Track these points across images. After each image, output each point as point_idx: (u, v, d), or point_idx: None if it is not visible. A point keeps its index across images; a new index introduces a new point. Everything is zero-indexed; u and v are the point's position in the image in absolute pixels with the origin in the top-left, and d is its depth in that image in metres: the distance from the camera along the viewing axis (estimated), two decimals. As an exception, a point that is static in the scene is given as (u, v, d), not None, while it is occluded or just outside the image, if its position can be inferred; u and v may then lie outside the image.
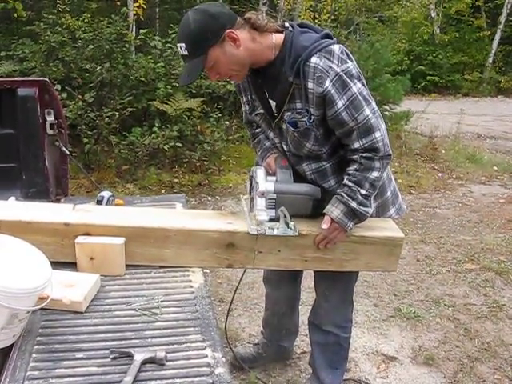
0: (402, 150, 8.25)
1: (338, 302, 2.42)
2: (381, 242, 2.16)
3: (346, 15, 9.04)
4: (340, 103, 1.90)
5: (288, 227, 2.06)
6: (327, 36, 1.96)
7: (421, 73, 18.22)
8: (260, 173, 2.10)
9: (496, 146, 9.64)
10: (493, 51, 19.98)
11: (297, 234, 2.06)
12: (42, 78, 2.64)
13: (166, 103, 6.57)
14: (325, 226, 2.03)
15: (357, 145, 1.97)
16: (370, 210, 2.07)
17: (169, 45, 7.03)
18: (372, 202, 2.08)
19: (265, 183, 2.06)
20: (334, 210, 2.03)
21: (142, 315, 1.78)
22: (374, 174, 2.00)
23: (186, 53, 1.88)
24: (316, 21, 8.61)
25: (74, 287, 1.85)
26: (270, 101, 2.07)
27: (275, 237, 2.07)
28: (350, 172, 2.02)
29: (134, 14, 7.48)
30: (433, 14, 19.29)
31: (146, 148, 6.21)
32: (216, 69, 1.92)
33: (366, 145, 1.96)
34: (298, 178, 2.14)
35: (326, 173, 2.12)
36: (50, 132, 2.65)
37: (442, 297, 3.76)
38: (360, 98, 1.92)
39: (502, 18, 19.97)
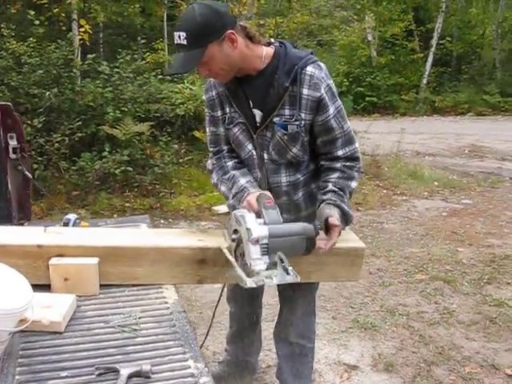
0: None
1: (302, 313, 2.50)
2: (344, 253, 2.27)
3: (289, 39, 9.27)
4: (331, 110, 2.05)
5: (287, 273, 1.79)
6: (312, 53, 2.12)
7: (360, 94, 18.78)
8: (249, 217, 1.89)
9: (435, 163, 10.05)
10: (426, 72, 20.84)
11: (298, 279, 1.80)
12: (4, 103, 2.64)
13: (116, 128, 6.60)
14: (336, 232, 2.04)
15: (340, 152, 2.11)
16: (352, 216, 2.15)
17: (116, 70, 7.06)
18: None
19: (258, 228, 1.85)
20: (333, 213, 2.05)
21: (121, 332, 1.82)
22: (354, 184, 2.13)
23: (184, 42, 1.90)
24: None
25: (52, 308, 1.86)
26: (255, 110, 2.12)
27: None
28: (333, 180, 2.11)
29: (80, 39, 7.47)
30: (369, 38, 19.97)
31: (96, 173, 6.20)
32: (209, 65, 1.97)
33: (348, 153, 2.10)
34: (270, 191, 2.12)
35: (298, 185, 2.22)
36: (12, 156, 2.65)
37: (396, 306, 3.92)
38: (343, 110, 2.10)
39: (434, 42, 20.90)
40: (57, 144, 6.04)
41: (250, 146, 2.20)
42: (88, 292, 2.04)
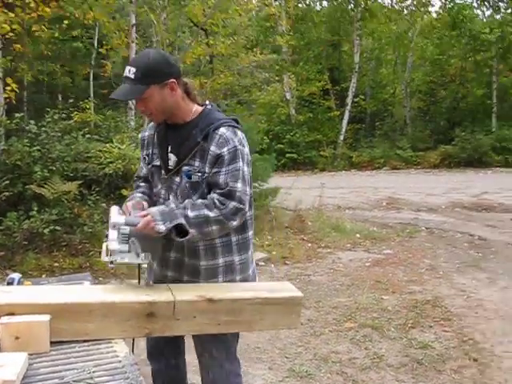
0: (273, 224, 8.75)
1: (225, 358, 2.53)
2: (283, 302, 2.42)
3: (213, 99, 9.60)
4: (224, 168, 2.24)
5: (138, 256, 2.21)
6: (236, 120, 2.35)
7: (280, 151, 19.36)
8: (113, 209, 2.30)
9: (355, 216, 10.51)
10: (343, 129, 21.92)
11: (146, 261, 2.24)
12: None
13: (43, 187, 6.54)
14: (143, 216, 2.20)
15: (217, 197, 2.25)
16: (182, 220, 2.19)
17: (44, 128, 7.05)
18: (191, 226, 2.22)
19: (115, 216, 2.24)
20: (157, 208, 2.27)
21: (76, 386, 1.87)
22: (206, 212, 2.22)
23: (132, 76, 2.17)
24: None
25: (4, 367, 1.88)
26: (171, 155, 2.35)
27: (190, 303, 2.25)
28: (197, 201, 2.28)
29: (6, 98, 7.43)
30: (288, 96, 20.82)
31: (24, 232, 6.10)
32: (146, 103, 2.23)
33: (221, 200, 2.24)
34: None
35: None
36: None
37: (329, 354, 4.09)
38: (241, 174, 2.26)
39: (349, 100, 22.11)
40: (-18, 203, 5.93)
41: (159, 186, 2.43)
42: (39, 349, 2.07)
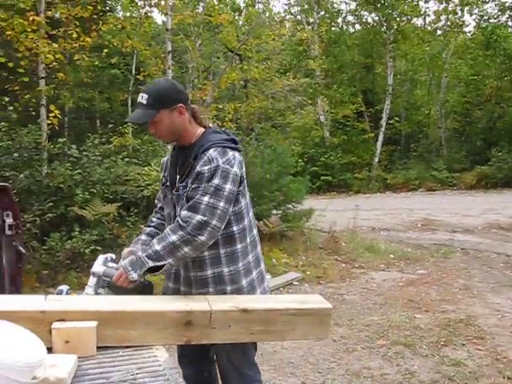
0: (307, 245, 8.86)
1: (242, 363, 2.68)
2: (313, 313, 2.55)
3: (247, 123, 9.85)
4: (203, 184, 2.40)
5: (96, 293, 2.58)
6: (233, 141, 2.55)
7: (315, 173, 19.41)
8: (100, 258, 2.66)
9: (390, 237, 10.52)
10: (378, 151, 21.88)
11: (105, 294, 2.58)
12: (2, 184, 2.91)
13: (84, 209, 6.81)
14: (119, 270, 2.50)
15: (183, 213, 2.42)
16: (151, 263, 2.41)
17: (85, 153, 7.36)
18: (163, 261, 2.42)
19: (97, 266, 2.61)
20: (127, 256, 2.55)
21: (122, 386, 2.04)
22: (172, 238, 2.40)
23: (144, 102, 2.43)
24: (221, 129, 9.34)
25: (57, 367, 2.06)
26: (178, 175, 2.57)
27: (225, 313, 2.40)
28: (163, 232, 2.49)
29: (49, 124, 7.78)
30: (322, 119, 20.96)
31: (66, 252, 6.35)
32: (157, 126, 2.48)
33: (185, 216, 2.40)
34: None
35: None
36: (8, 233, 2.88)
37: (361, 370, 4.16)
38: (212, 189, 2.39)
39: (383, 122, 22.10)
40: (28, 224, 6.20)
41: (171, 205, 2.63)
42: (87, 353, 2.24)
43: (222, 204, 2.40)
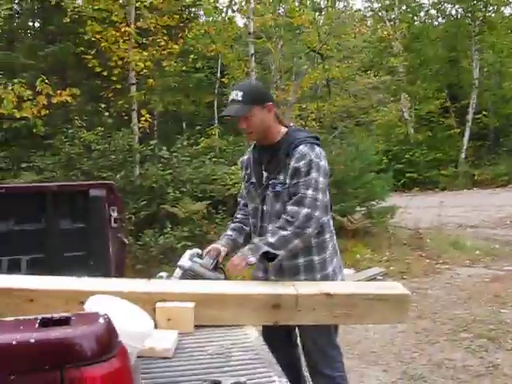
0: (391, 241, 8.89)
1: (325, 343, 2.86)
2: (392, 298, 2.71)
3: (330, 121, 10.00)
4: (302, 179, 2.63)
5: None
6: (316, 137, 2.80)
7: (399, 171, 19.15)
8: (187, 252, 2.91)
9: (477, 234, 10.32)
10: (464, 147, 21.28)
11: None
12: (108, 182, 3.27)
13: (175, 207, 7.22)
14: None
15: (288, 208, 2.66)
16: (265, 248, 2.62)
17: (175, 154, 7.79)
18: (278, 251, 2.62)
19: (184, 260, 2.85)
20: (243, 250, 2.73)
21: (218, 357, 2.29)
22: (284, 233, 2.62)
23: (239, 98, 2.65)
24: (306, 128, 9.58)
25: (161, 339, 2.35)
26: (264, 172, 2.78)
27: (310, 296, 2.61)
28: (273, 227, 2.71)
29: (140, 127, 8.29)
30: (406, 116, 20.67)
31: (159, 248, 6.77)
32: (248, 121, 2.67)
33: (292, 211, 2.63)
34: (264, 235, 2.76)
35: None
36: (113, 225, 3.23)
37: (443, 361, 4.24)
38: (313, 182, 2.63)
39: (469, 117, 21.46)
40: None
41: (257, 200, 2.83)
42: (186, 330, 2.52)
43: (320, 196, 2.66)
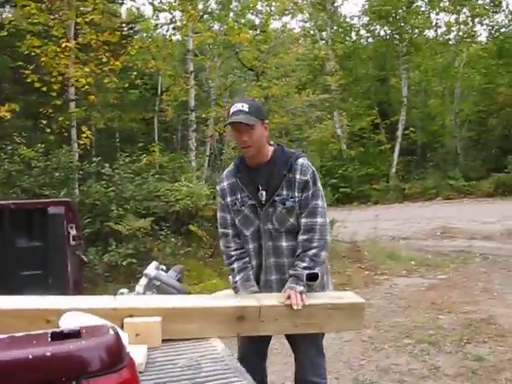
0: (331, 254, 9.12)
1: (314, 352, 3.00)
2: (349, 307, 2.88)
3: (269, 138, 10.16)
4: (311, 190, 2.78)
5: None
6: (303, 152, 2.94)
7: (334, 185, 19.60)
8: (153, 263, 3.05)
9: (410, 245, 10.76)
10: (394, 162, 22.11)
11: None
12: (66, 199, 3.28)
13: (119, 224, 7.18)
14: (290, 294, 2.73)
15: (303, 221, 2.80)
16: (308, 271, 2.75)
17: (117, 171, 7.76)
18: (314, 270, 2.77)
19: (151, 269, 2.97)
20: (291, 285, 2.76)
21: (188, 369, 2.36)
22: (313, 252, 2.77)
23: (246, 110, 2.71)
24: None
25: (132, 354, 2.39)
26: (262, 192, 2.81)
27: (272, 308, 2.73)
28: (298, 257, 2.80)
29: (81, 144, 8.20)
30: (339, 132, 21.26)
31: (104, 265, 6.72)
32: (250, 134, 2.72)
33: (308, 223, 2.78)
34: (275, 254, 2.86)
35: (294, 251, 2.85)
36: (72, 243, 3.24)
37: (390, 366, 4.45)
38: (321, 192, 2.83)
39: (399, 133, 22.34)
40: (67, 240, 6.59)
41: (257, 222, 2.87)
42: (154, 344, 2.58)
43: (324, 204, 2.84)
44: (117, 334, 1.28)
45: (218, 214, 3.02)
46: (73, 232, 3.24)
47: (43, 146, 7.54)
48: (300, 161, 2.79)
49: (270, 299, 2.79)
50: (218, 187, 3.03)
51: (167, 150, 11.53)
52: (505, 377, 4.17)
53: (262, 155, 2.82)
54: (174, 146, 14.88)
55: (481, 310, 5.90)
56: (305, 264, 2.77)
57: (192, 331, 2.68)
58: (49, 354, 1.15)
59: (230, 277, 3.03)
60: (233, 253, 2.97)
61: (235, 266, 2.94)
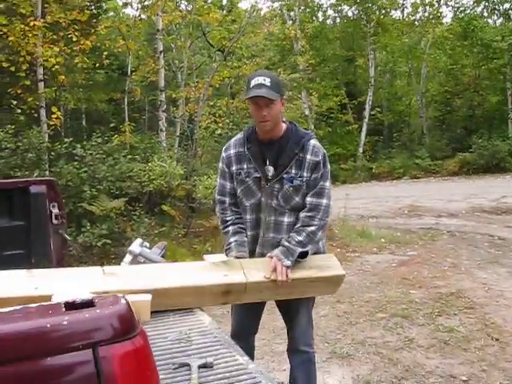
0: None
1: (305, 323, 3.08)
2: (331, 279, 2.98)
3: (240, 118, 10.23)
4: (320, 172, 2.80)
5: None
6: (313, 133, 2.95)
7: (301, 165, 19.71)
8: (137, 240, 3.02)
9: (379, 224, 10.97)
10: (362, 142, 22.39)
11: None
12: (49, 178, 3.27)
13: (92, 205, 7.15)
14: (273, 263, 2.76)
15: (308, 199, 2.82)
16: (300, 249, 2.78)
17: (89, 152, 7.70)
18: (307, 248, 2.81)
19: (135, 246, 2.95)
20: (276, 252, 2.79)
21: (179, 343, 2.42)
22: (311, 229, 2.81)
23: (268, 84, 2.66)
24: (217, 124, 9.76)
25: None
26: (269, 167, 2.82)
27: (258, 283, 2.79)
28: (295, 228, 2.84)
29: (52, 125, 8.10)
30: (307, 112, 21.35)
31: (78, 246, 6.69)
32: (271, 109, 2.68)
33: (313, 203, 2.81)
34: (275, 230, 2.88)
35: (291, 227, 2.89)
36: (54, 222, 3.24)
37: (365, 339, 4.59)
38: (328, 174, 2.85)
39: (366, 113, 22.59)
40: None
41: (259, 195, 2.88)
42: (144, 320, 2.62)
43: (330, 186, 2.88)
44: (128, 303, 1.32)
45: (218, 181, 3.03)
46: (55, 211, 3.24)
47: (13, 127, 7.41)
48: (312, 142, 2.80)
49: (257, 272, 2.81)
50: (223, 154, 2.97)
51: (136, 130, 11.45)
52: (474, 346, 4.36)
53: (276, 131, 2.81)
54: (142, 127, 14.78)
55: (450, 284, 6.10)
56: (300, 238, 2.79)
57: (181, 305, 2.74)
58: (65, 322, 1.19)
59: (225, 239, 3.01)
60: (228, 218, 2.98)
61: (230, 228, 2.95)
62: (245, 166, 2.88)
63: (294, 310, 3.04)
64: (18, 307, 1.28)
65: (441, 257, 7.51)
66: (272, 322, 4.60)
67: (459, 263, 7.13)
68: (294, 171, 2.80)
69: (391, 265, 7.32)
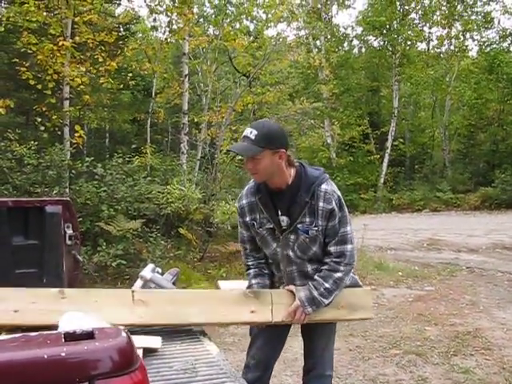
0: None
1: (328, 345, 3.02)
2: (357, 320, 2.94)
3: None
4: (337, 218, 2.67)
5: None
6: (324, 171, 2.76)
7: (322, 193, 19.64)
8: (149, 265, 3.03)
9: (397, 256, 10.83)
10: (383, 172, 22.26)
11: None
12: (65, 198, 3.28)
13: (110, 224, 7.17)
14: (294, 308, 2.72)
15: (332, 249, 2.71)
16: (326, 302, 2.72)
17: (109, 171, 7.75)
18: (333, 295, 2.73)
19: (147, 272, 2.93)
20: (300, 290, 2.73)
21: (184, 373, 2.38)
22: (338, 275, 2.72)
23: (252, 137, 2.54)
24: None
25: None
26: (282, 217, 2.71)
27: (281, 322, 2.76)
28: (322, 269, 2.75)
29: (74, 143, 8.19)
30: (329, 141, 21.39)
31: (93, 266, 6.70)
32: (255, 163, 2.58)
33: (338, 250, 2.71)
34: (301, 278, 2.81)
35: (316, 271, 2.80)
36: (68, 243, 3.24)
37: (377, 376, 4.48)
38: (347, 217, 2.73)
39: (388, 144, 22.51)
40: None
41: (274, 245, 2.79)
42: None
43: (352, 228, 2.75)
44: (129, 336, 1.29)
45: (239, 229, 2.97)
46: (69, 231, 3.24)
47: (36, 143, 7.51)
48: (323, 187, 2.64)
49: (285, 308, 2.76)
50: (236, 204, 2.92)
51: (158, 151, 11.54)
52: (491, 390, 4.23)
53: (281, 180, 2.67)
54: (164, 148, 14.89)
55: (467, 322, 5.96)
56: (327, 285, 2.70)
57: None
58: (63, 354, 1.17)
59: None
60: (250, 263, 2.95)
61: (251, 271, 2.92)
62: (258, 217, 2.79)
63: (316, 334, 2.97)
64: (18, 335, 1.26)
65: (458, 293, 7.36)
66: (282, 354, 4.50)
67: (477, 301, 6.97)
68: (308, 220, 2.67)
69: (407, 299, 7.19)
